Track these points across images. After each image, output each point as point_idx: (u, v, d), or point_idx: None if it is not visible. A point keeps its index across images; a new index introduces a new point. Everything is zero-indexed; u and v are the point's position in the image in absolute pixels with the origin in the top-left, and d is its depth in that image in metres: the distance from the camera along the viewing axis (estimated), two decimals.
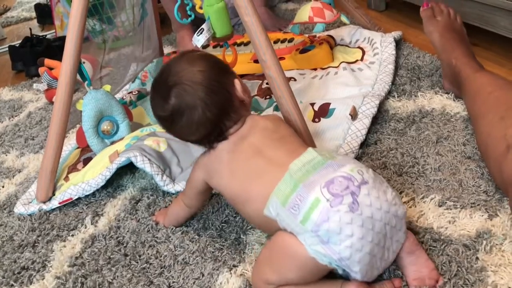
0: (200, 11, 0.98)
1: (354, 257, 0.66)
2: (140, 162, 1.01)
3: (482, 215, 0.82)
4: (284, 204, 0.70)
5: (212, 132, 0.80)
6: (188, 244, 0.88)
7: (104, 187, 1.06)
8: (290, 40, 1.50)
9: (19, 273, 0.90)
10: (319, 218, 0.66)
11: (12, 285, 0.88)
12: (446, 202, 0.86)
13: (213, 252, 0.86)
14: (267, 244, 0.76)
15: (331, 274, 0.72)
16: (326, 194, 0.67)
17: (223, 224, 0.92)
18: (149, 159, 1.01)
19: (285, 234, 0.71)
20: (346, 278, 0.72)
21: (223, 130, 0.81)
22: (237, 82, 0.83)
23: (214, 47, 1.56)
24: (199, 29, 0.96)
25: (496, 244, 0.77)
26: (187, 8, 0.99)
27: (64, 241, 0.96)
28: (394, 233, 0.70)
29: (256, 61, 1.44)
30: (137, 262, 0.87)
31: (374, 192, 0.68)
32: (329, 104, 1.17)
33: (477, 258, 0.75)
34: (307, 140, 0.97)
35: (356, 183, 0.68)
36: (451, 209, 0.85)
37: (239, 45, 1.54)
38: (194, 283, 0.80)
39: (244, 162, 0.78)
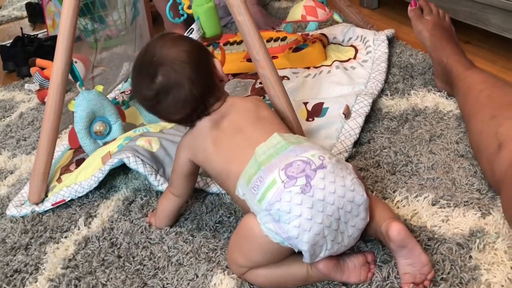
0: (188, 11, 0.98)
1: (302, 237, 0.69)
2: (133, 163, 1.00)
3: (475, 214, 0.83)
4: (248, 184, 0.73)
5: (196, 109, 0.83)
6: (182, 245, 0.88)
7: (97, 188, 1.05)
8: (283, 39, 1.50)
9: (11, 276, 0.90)
10: (272, 197, 0.70)
11: None
12: (439, 201, 0.87)
13: (207, 253, 0.86)
14: (236, 229, 0.79)
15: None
16: (282, 176, 0.70)
17: (217, 225, 0.92)
18: (142, 160, 1.01)
19: (247, 216, 0.75)
20: None
21: (207, 107, 0.83)
22: (216, 61, 0.86)
23: None
24: (188, 29, 0.96)
25: (489, 243, 0.77)
26: (180, 7, 0.99)
27: (57, 243, 0.95)
28: (350, 218, 0.71)
29: (249, 60, 1.43)
30: (131, 264, 0.87)
31: (330, 176, 0.70)
32: (322, 103, 1.17)
33: (470, 256, 0.75)
34: None
35: (313, 166, 0.71)
36: (444, 208, 0.85)
37: (232, 44, 1.53)
38: (188, 284, 0.80)
39: (227, 139, 0.81)
